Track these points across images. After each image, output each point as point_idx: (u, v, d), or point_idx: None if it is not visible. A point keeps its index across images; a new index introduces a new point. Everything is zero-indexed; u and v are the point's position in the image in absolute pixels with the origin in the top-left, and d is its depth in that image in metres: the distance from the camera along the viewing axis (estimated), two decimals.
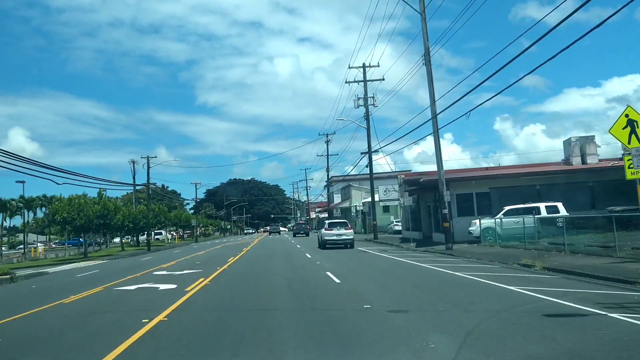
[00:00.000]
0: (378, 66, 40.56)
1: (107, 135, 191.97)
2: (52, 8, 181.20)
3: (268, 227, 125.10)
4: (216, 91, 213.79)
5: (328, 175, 71.30)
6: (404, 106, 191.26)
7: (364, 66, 40.68)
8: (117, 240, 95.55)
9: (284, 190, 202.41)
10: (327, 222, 35.69)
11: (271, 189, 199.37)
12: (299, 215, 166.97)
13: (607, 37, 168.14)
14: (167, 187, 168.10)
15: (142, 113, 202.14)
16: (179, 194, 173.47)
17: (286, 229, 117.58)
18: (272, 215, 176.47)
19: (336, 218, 76.11)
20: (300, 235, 62.63)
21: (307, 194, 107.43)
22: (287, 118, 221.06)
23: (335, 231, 31.08)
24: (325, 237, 31.35)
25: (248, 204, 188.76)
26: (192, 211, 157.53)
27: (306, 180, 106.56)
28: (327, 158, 71.22)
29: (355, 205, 53.74)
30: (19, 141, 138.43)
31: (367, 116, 40.31)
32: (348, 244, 30.88)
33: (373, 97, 40.32)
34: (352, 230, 32.45)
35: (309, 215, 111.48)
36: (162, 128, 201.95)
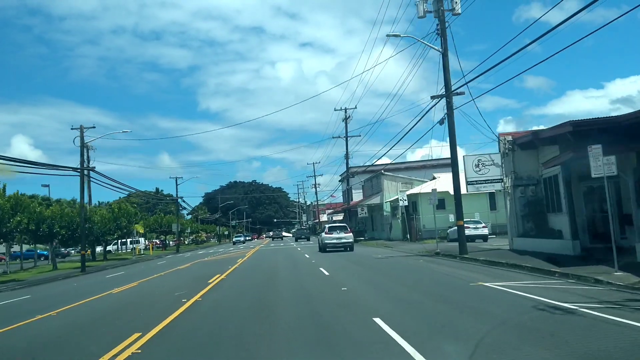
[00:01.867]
0: None
1: (110, 142, 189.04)
2: (53, 16, 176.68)
3: (271, 233, 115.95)
4: (219, 97, 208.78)
5: (347, 163, 52.67)
6: (403, 109, 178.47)
7: None
8: (100, 249, 77.44)
9: (288, 194, 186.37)
10: (326, 226, 35.93)
11: (274, 191, 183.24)
12: (304, 219, 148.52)
13: (609, 39, 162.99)
14: (162, 190, 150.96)
15: (145, 120, 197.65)
16: (176, 198, 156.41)
17: (290, 234, 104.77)
18: (275, 220, 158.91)
19: (360, 220, 57.38)
20: (301, 239, 62.50)
21: (316, 191, 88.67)
22: (289, 123, 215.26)
23: (335, 235, 30.63)
24: (326, 241, 30.74)
25: (249, 208, 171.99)
26: (189, 216, 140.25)
27: (314, 176, 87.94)
28: (346, 140, 52.65)
29: (398, 198, 35.08)
30: (22, 149, 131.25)
31: (441, 28, 21.69)
32: (347, 247, 30.28)
33: None
34: (351, 234, 31.88)
35: (318, 219, 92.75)
36: (165, 134, 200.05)
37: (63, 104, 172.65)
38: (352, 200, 59.24)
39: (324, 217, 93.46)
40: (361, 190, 61.88)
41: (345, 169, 54.08)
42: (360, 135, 52.95)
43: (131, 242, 73.30)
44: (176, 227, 61.23)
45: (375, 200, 46.03)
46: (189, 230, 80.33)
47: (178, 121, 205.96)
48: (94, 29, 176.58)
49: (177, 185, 61.57)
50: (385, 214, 45.53)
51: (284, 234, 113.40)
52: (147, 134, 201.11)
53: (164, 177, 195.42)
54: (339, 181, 73.75)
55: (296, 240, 63.19)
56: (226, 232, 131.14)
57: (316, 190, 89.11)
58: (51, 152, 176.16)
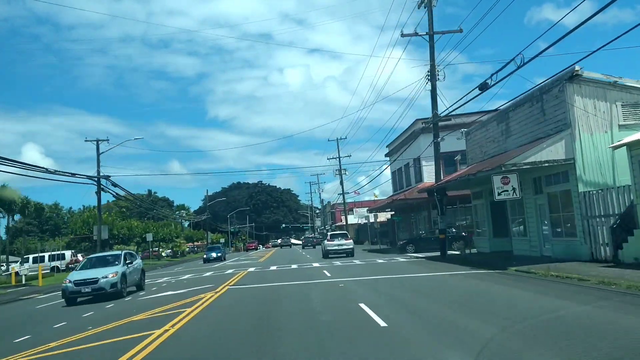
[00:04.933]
0: None
1: (120, 150, 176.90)
2: (62, 25, 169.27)
3: (278, 240, 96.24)
4: (227, 105, 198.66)
5: (434, 88, 23.03)
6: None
7: None
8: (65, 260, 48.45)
9: (298, 196, 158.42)
10: (329, 234, 36.91)
11: (282, 194, 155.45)
12: (319, 224, 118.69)
13: (627, 41, 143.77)
14: (155, 192, 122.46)
15: (154, 128, 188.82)
16: (172, 202, 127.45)
17: (300, 242, 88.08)
18: (283, 225, 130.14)
19: (443, 216, 27.68)
20: (308, 247, 64.38)
21: (342, 180, 58.96)
22: (298, 130, 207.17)
23: (336, 242, 31.27)
24: (328, 248, 31.29)
25: (254, 212, 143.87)
26: (186, 224, 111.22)
27: (339, 158, 58.27)
28: (431, 41, 23.05)
29: None
30: (33, 157, 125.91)
31: None
32: (348, 253, 30.51)
33: None
34: (351, 241, 32.20)
35: (345, 220, 63.37)
36: (174, 143, 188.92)
37: (72, 113, 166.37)
38: (418, 180, 29.33)
39: (352, 219, 63.86)
40: (431, 166, 32.18)
41: (430, 110, 24.31)
42: (461, 31, 23.33)
43: (51, 258, 44.12)
44: (98, 232, 31.48)
45: (547, 152, 16.12)
46: (151, 238, 50.65)
47: (186, 129, 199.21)
48: (102, 38, 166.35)
49: (98, 154, 31.67)
50: (584, 189, 15.57)
51: (293, 241, 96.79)
52: (155, 142, 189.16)
53: (172, 184, 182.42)
54: (385, 158, 43.59)
55: (303, 248, 64.96)
56: (222, 240, 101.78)
57: (342, 178, 59.37)
58: (62, 161, 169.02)
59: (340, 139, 58.28)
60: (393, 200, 32.17)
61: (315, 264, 25.17)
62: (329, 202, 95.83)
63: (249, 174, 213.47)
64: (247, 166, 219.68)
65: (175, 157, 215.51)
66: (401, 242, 31.52)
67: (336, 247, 30.69)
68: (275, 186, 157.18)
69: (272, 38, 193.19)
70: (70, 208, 77.70)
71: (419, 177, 33.32)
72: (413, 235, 34.96)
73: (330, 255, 30.44)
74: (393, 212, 42.16)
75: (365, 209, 69.22)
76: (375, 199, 77.01)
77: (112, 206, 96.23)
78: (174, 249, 68.80)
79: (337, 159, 58.61)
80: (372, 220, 42.61)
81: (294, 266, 25.15)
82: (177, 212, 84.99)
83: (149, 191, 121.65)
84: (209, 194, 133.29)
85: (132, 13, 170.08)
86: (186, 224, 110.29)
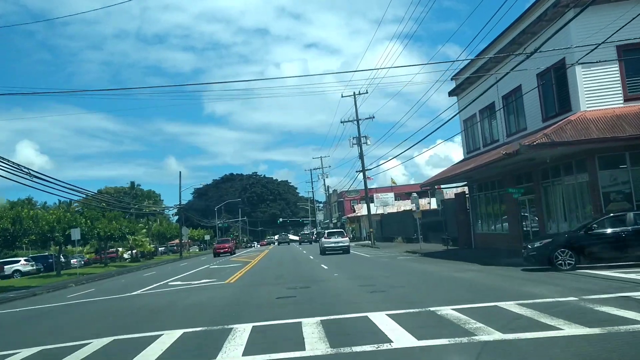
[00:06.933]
0: None
1: (117, 147, 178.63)
2: (56, 21, 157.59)
3: (275, 237, 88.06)
4: (223, 100, 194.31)
5: None
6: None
7: None
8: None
9: (296, 188, 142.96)
10: (326, 232, 37.99)
11: (279, 185, 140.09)
12: (320, 218, 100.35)
13: None
14: (139, 185, 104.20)
15: (151, 124, 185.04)
16: (158, 195, 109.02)
17: (297, 238, 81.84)
18: (280, 220, 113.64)
19: None
20: (304, 243, 65.57)
21: (361, 150, 40.56)
22: (296, 125, 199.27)
23: (332, 239, 32.03)
24: (325, 245, 32.08)
25: (248, 206, 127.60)
26: (175, 217, 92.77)
27: (357, 120, 40.13)
28: None
29: None
30: (28, 154, 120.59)
31: None
32: (344, 250, 31.04)
33: None
34: (347, 239, 33.08)
35: (354, 211, 45.26)
36: (171, 139, 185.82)
37: (68, 110, 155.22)
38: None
39: (376, 208, 45.98)
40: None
41: None
42: None
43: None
44: None
45: None
46: (78, 236, 32.08)
47: (183, 125, 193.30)
48: (97, 34, 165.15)
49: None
50: None
51: (291, 237, 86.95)
52: (153, 139, 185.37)
53: (167, 180, 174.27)
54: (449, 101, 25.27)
55: (300, 244, 64.55)
56: (207, 237, 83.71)
57: (361, 149, 41.07)
58: (58, 159, 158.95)
59: (359, 93, 40.04)
60: (518, 148, 13.50)
61: (400, 336, 6.95)
62: (334, 190, 77.60)
63: (246, 172, 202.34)
64: (245, 162, 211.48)
65: (172, 153, 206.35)
66: (541, 243, 13.47)
67: (333, 245, 31.25)
68: (272, 178, 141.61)
69: (269, 33, 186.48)
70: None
71: (566, 103, 15.15)
72: (524, 227, 16.72)
73: (327, 252, 30.88)
74: (462, 188, 23.87)
75: (389, 194, 51.08)
76: (394, 185, 59.11)
77: (90, 200, 77.61)
78: (134, 249, 50.46)
79: (355, 121, 40.33)
80: (436, 202, 24.45)
81: (319, 346, 6.95)
82: (143, 203, 66.31)
83: (132, 183, 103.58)
84: (198, 188, 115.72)
85: (126, 8, 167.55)
86: (175, 219, 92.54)
